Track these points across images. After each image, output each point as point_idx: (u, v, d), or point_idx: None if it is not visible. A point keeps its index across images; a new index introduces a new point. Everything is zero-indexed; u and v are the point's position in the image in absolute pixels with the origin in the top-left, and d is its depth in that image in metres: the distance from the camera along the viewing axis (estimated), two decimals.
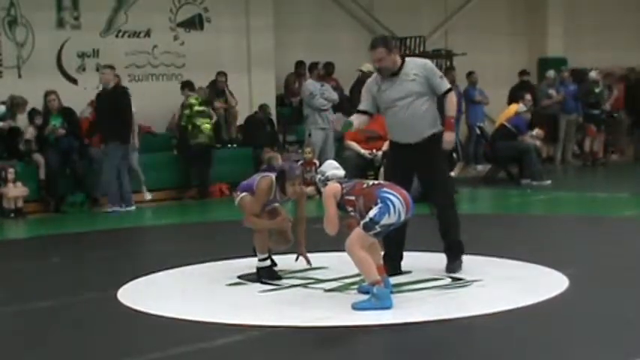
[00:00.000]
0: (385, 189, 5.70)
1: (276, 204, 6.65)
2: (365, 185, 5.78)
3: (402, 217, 5.64)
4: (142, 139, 13.35)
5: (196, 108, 13.03)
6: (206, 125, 12.94)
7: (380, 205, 5.59)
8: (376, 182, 5.93)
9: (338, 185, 5.80)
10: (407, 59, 6.72)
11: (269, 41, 15.03)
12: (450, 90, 6.66)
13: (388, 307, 5.51)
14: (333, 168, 5.97)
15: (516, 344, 4.89)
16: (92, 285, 6.79)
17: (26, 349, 5.15)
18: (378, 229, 5.59)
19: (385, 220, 5.58)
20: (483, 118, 16.70)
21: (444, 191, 6.81)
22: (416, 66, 6.64)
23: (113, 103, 11.59)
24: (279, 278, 6.57)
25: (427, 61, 6.81)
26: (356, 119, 6.70)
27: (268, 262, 6.62)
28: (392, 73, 6.61)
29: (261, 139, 13.77)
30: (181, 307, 5.76)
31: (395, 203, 5.58)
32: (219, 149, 13.75)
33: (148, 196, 12.42)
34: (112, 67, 11.99)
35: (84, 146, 12.35)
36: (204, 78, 14.03)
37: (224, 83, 14.20)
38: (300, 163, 12.61)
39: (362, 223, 5.61)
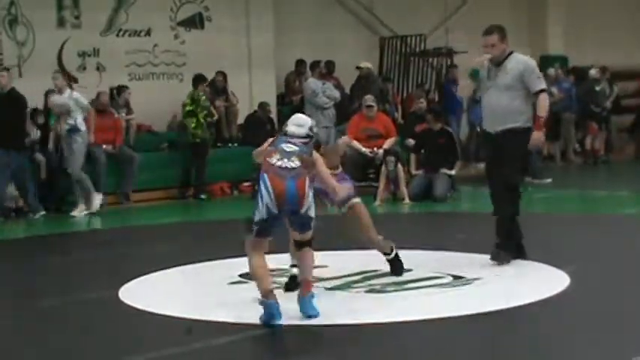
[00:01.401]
0: (266, 176, 5.24)
1: None
2: (268, 161, 5.28)
3: (274, 211, 5.18)
4: (142, 137, 13.38)
5: (203, 103, 13.05)
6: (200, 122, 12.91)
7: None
8: (273, 161, 5.26)
9: (270, 149, 5.37)
10: (514, 53, 7.00)
11: (269, 40, 15.03)
12: (543, 90, 6.88)
13: (270, 323, 5.13)
14: (293, 123, 5.51)
15: (517, 342, 4.89)
16: (93, 285, 6.78)
17: (26, 347, 5.15)
18: (254, 227, 5.27)
19: (257, 217, 5.23)
20: None
21: (509, 181, 6.88)
22: (517, 61, 6.93)
23: (6, 108, 11.00)
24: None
25: (529, 60, 7.04)
26: None
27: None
28: (497, 63, 6.89)
29: (261, 138, 13.67)
30: (182, 306, 5.77)
31: (263, 197, 5.18)
32: (220, 148, 13.75)
33: (97, 201, 11.42)
34: (61, 72, 11.76)
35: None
36: (205, 77, 14.01)
37: (222, 82, 14.19)
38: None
39: None
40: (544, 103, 6.86)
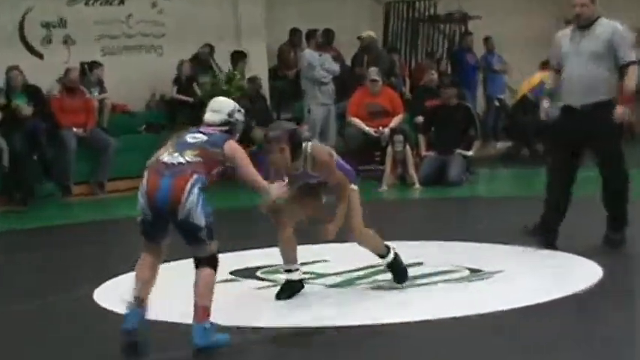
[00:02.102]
0: (146, 172, 5.06)
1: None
2: (157, 156, 5.10)
3: (147, 213, 4.96)
4: (117, 119, 13.37)
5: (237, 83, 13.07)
6: None
7: None
8: (162, 156, 5.07)
9: (169, 142, 5.22)
10: (602, 17, 7.02)
11: (259, 7, 14.98)
12: (633, 62, 6.92)
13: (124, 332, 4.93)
14: (209, 109, 5.32)
15: (542, 344, 4.90)
16: (67, 284, 6.83)
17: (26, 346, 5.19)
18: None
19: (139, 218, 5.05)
20: (503, 88, 16.70)
21: (612, 158, 7.07)
22: (607, 26, 6.96)
23: None
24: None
25: (619, 26, 7.05)
26: (552, 79, 7.26)
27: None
28: (584, 25, 6.93)
29: (251, 116, 13.74)
30: (167, 308, 5.77)
31: (139, 195, 5.01)
32: None
33: None
34: None
35: (53, 128, 12.32)
36: (187, 50, 14.00)
37: (208, 55, 14.17)
38: None
39: None
40: (633, 75, 6.90)
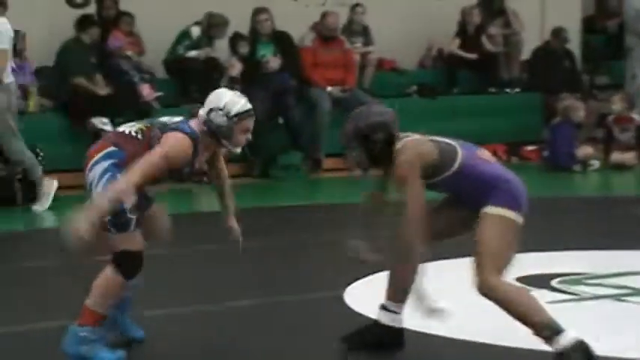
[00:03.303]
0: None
1: None
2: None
3: None
4: (383, 77, 13.37)
5: None
6: None
7: None
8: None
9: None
10: None
11: None
12: None
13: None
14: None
15: None
16: (311, 280, 7.10)
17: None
18: None
19: None
20: None
21: None
22: None
23: None
24: None
25: None
26: None
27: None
28: None
29: (555, 80, 13.47)
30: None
31: None
32: (494, 95, 13.67)
33: (49, 193, 10.47)
34: None
35: (303, 86, 12.53)
36: None
37: None
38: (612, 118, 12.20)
39: None
40: None
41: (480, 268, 4.77)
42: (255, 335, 5.73)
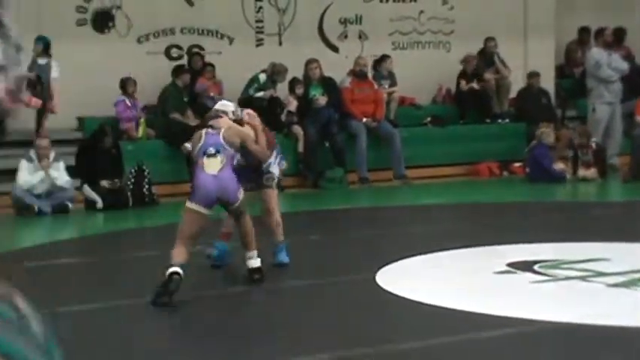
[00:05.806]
0: None
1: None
2: None
3: None
4: (404, 111, 13.48)
5: None
6: None
7: None
8: None
9: None
10: None
11: (550, 3, 14.57)
12: None
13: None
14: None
15: None
16: (350, 266, 6.98)
17: (276, 326, 5.37)
18: None
19: None
20: None
21: None
22: None
23: None
24: None
25: None
26: None
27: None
28: None
29: (536, 113, 13.43)
30: (444, 295, 5.75)
31: None
32: (489, 124, 13.63)
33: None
34: None
35: (343, 118, 12.62)
36: (474, 46, 13.87)
37: (493, 49, 13.92)
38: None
39: None
40: None
41: None
42: (307, 311, 5.74)
